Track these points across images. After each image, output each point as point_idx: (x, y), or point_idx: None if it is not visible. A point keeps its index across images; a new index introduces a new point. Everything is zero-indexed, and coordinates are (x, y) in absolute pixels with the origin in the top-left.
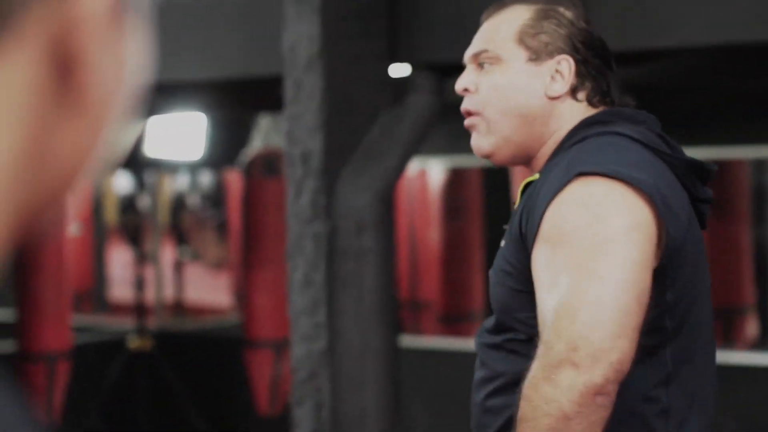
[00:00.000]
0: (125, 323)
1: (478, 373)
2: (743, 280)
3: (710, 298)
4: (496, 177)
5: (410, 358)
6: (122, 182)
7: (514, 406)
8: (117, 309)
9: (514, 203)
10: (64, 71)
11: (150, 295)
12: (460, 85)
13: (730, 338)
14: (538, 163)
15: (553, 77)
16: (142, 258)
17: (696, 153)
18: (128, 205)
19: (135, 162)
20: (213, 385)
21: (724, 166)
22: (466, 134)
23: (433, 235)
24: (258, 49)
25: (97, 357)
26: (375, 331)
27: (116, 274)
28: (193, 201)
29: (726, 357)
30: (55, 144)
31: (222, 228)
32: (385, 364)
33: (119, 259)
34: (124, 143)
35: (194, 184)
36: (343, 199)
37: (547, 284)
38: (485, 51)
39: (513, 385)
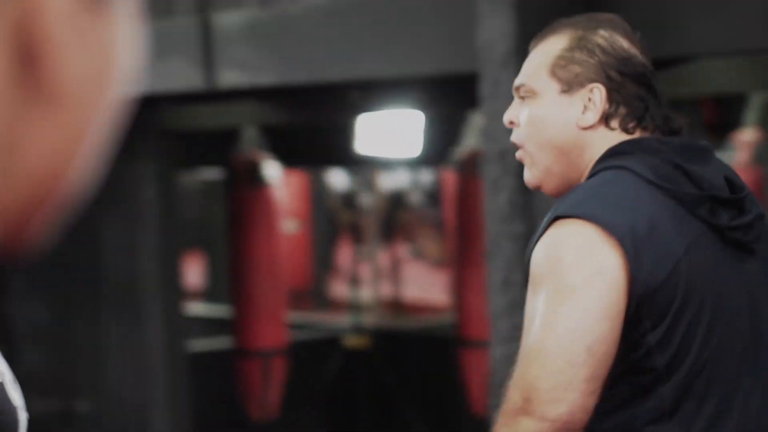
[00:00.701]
0: (343, 321)
1: None
2: None
3: (752, 328)
4: None
5: None
6: (339, 180)
7: None
8: (336, 306)
9: None
10: (28, 60)
11: (368, 293)
12: (505, 118)
13: None
14: None
15: (585, 107)
16: (360, 255)
17: None
18: (347, 202)
19: (351, 159)
20: (428, 384)
21: None
22: None
23: None
24: (455, 46)
25: (313, 354)
26: None
27: (337, 272)
28: (414, 198)
29: None
30: (26, 140)
31: (440, 226)
32: None
33: (339, 257)
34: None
35: (415, 182)
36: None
37: (525, 330)
38: (523, 85)
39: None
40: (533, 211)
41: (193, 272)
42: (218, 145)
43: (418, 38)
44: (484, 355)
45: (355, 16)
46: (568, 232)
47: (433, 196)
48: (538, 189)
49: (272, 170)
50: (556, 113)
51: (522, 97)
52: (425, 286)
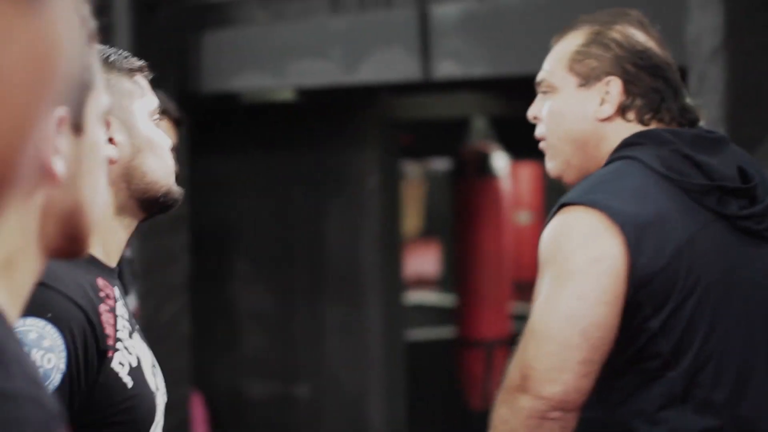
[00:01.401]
0: None
1: None
2: None
3: (765, 315)
4: None
5: None
6: None
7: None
8: None
9: None
10: None
11: None
12: (529, 113)
13: None
14: None
15: (603, 99)
16: None
17: None
18: None
19: None
20: None
21: None
22: None
23: None
24: (664, 40)
25: None
26: None
27: None
28: None
29: None
30: None
31: None
32: None
33: None
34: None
35: None
36: None
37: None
38: (543, 80)
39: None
40: None
41: (428, 261)
42: (448, 136)
43: None
44: None
45: (567, 9)
46: (573, 218)
47: None
48: (559, 179)
49: (500, 161)
50: (574, 107)
51: (543, 92)
52: None
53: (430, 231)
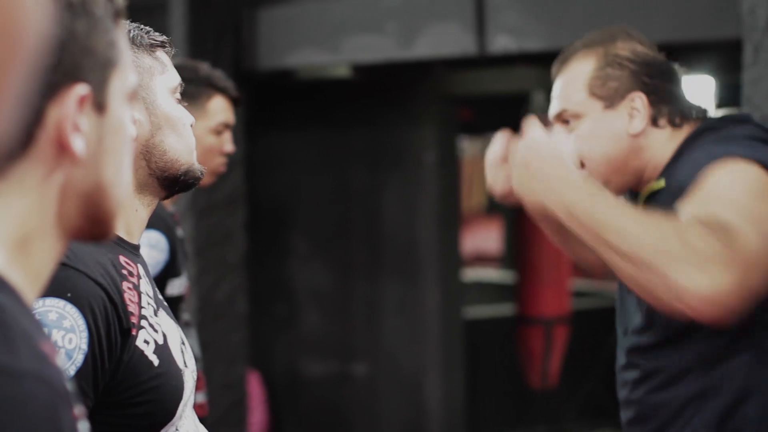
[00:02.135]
0: None
1: (631, 374)
2: None
3: None
4: None
5: None
6: None
7: (677, 397)
8: None
9: None
10: None
11: None
12: (573, 155)
13: None
14: (648, 182)
15: (631, 115)
16: None
17: None
18: None
19: None
20: None
21: None
22: None
23: None
24: (721, 12)
25: (596, 323)
26: None
27: None
28: None
29: None
30: None
31: None
32: None
33: None
34: None
35: None
36: None
37: (701, 200)
38: (565, 110)
39: (673, 378)
40: None
41: (491, 238)
42: (507, 111)
43: (684, 3)
44: None
45: None
46: (749, 169)
47: None
48: None
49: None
50: (605, 129)
51: (565, 122)
52: None
53: (493, 208)
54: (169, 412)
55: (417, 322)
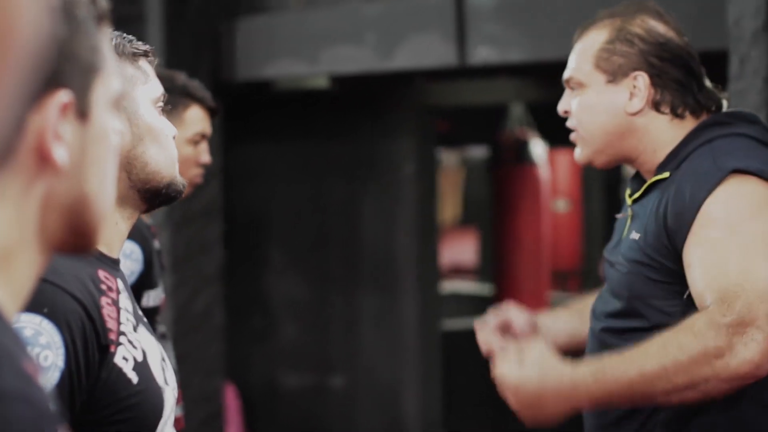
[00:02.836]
0: None
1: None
2: None
3: None
4: None
5: None
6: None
7: None
8: None
9: (629, 196)
10: None
11: None
12: (559, 108)
13: None
14: (643, 165)
15: (631, 94)
16: None
17: None
18: (614, 183)
19: None
20: None
21: None
22: None
23: None
24: (707, 22)
25: None
26: None
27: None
28: None
29: None
30: None
31: None
32: None
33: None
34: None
35: None
36: None
37: (710, 263)
38: (572, 78)
39: None
40: None
41: (466, 250)
42: (485, 123)
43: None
44: None
45: None
46: (753, 185)
47: None
48: (588, 164)
49: (538, 148)
50: (605, 102)
51: (572, 89)
52: None
53: (467, 219)
54: (148, 431)
55: (395, 334)
